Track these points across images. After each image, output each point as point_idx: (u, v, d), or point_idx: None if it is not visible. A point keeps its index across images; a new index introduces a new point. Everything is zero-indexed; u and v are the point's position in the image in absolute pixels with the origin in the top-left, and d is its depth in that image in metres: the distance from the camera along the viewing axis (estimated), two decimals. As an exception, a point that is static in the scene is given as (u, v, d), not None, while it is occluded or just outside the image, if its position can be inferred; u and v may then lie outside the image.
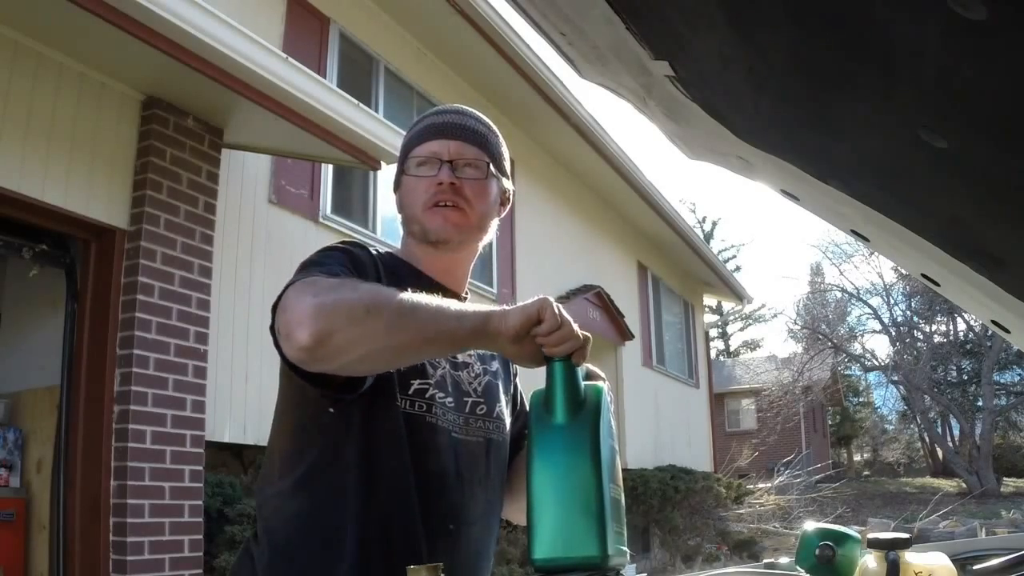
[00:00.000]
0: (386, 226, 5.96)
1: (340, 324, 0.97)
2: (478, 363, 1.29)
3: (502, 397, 1.31)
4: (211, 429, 4.08)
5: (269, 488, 1.20)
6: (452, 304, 1.03)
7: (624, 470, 1.16)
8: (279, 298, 1.05)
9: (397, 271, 1.22)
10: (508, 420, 1.32)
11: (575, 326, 1.00)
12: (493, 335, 1.00)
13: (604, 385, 1.03)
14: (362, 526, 1.12)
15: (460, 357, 1.26)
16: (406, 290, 1.02)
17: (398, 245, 1.33)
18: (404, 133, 1.34)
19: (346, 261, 1.15)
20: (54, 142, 3.47)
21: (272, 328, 1.05)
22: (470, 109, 1.32)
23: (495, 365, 1.33)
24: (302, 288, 1.03)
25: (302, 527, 1.13)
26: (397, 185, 1.30)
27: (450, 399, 1.20)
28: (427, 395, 1.17)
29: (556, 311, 0.98)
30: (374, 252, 1.23)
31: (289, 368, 1.06)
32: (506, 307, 1.01)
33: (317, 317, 0.96)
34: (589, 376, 1.06)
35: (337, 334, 0.96)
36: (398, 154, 1.33)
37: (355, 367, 1.03)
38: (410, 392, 1.16)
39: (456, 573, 1.14)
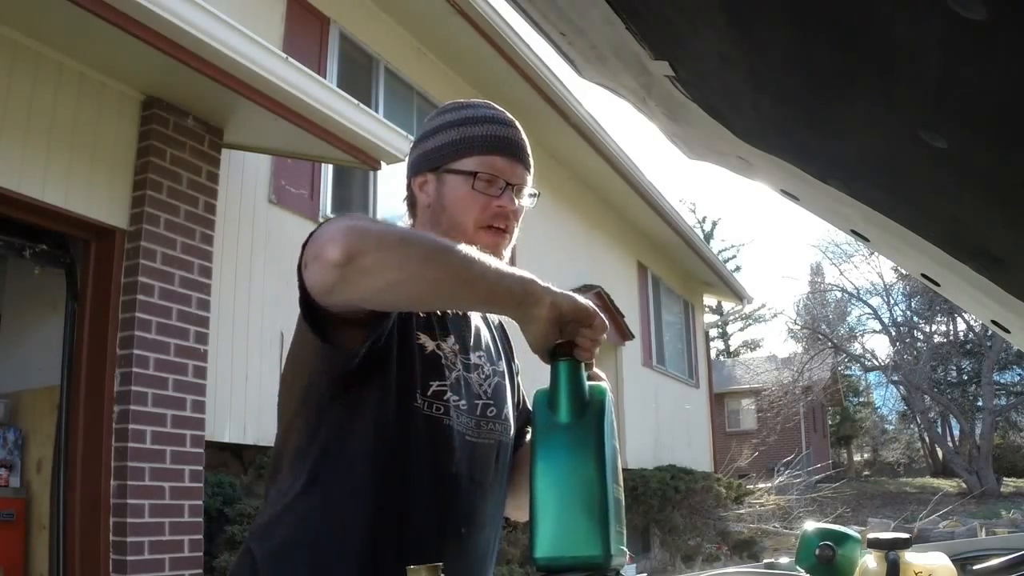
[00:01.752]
0: (386, 226, 5.95)
1: (372, 246, 0.95)
2: (488, 364, 1.28)
3: (509, 398, 1.31)
4: (211, 429, 4.08)
5: (277, 486, 1.17)
6: (494, 259, 1.00)
7: (624, 470, 1.16)
8: (311, 234, 1.03)
9: None
10: (513, 420, 1.31)
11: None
12: (534, 300, 0.97)
13: (606, 385, 1.03)
14: (376, 528, 1.11)
15: (472, 359, 1.25)
16: None
17: None
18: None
19: None
20: (54, 142, 3.47)
21: (299, 266, 1.03)
22: (514, 119, 1.31)
23: (502, 365, 1.33)
24: (336, 218, 1.02)
25: (313, 524, 1.12)
26: (427, 170, 1.26)
27: (463, 402, 1.20)
28: (444, 397, 1.17)
29: (604, 323, 1.01)
30: None
31: (306, 310, 1.03)
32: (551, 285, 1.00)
33: (350, 235, 0.95)
34: (590, 376, 1.06)
35: (369, 254, 0.94)
36: (433, 138, 1.28)
37: (381, 296, 0.98)
38: (429, 394, 1.15)
39: (462, 575, 1.14)
